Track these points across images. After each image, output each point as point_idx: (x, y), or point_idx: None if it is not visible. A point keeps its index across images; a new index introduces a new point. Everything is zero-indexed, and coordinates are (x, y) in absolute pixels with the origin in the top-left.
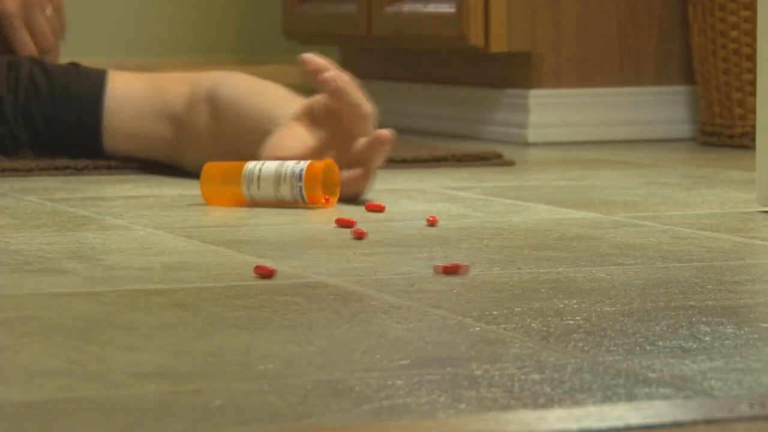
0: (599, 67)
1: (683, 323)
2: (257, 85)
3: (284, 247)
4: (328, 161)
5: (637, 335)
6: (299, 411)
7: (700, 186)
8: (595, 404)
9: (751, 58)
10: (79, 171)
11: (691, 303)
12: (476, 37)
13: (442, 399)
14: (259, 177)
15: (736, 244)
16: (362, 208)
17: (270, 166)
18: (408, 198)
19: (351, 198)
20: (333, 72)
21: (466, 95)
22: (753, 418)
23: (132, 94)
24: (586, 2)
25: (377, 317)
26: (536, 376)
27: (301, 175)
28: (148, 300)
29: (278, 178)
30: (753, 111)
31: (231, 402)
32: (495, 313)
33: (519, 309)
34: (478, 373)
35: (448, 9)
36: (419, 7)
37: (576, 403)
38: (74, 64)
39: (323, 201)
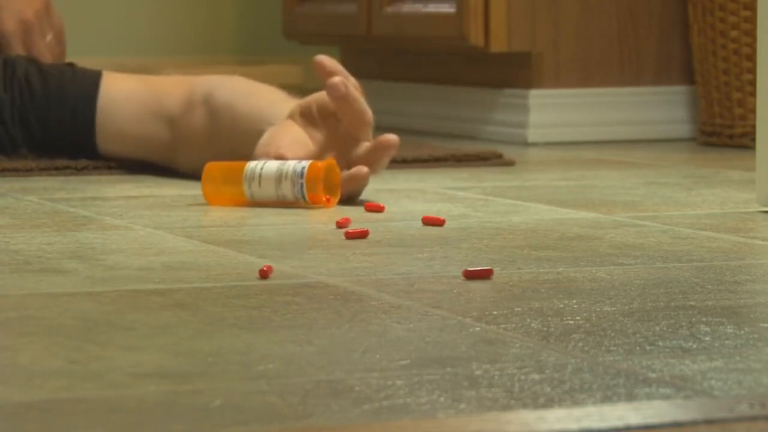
0: (599, 67)
1: (683, 323)
2: (252, 87)
3: (284, 247)
4: (330, 161)
5: (637, 335)
6: (299, 411)
7: (700, 186)
8: (595, 404)
9: (751, 58)
10: (79, 171)
11: (691, 303)
12: (476, 37)
13: (442, 399)
14: (260, 176)
15: (736, 244)
16: (362, 208)
17: (271, 165)
18: (408, 198)
19: (349, 197)
20: (341, 78)
21: (466, 95)
22: (753, 418)
23: (127, 95)
24: (586, 2)
25: (377, 317)
26: (536, 376)
27: (302, 175)
28: (148, 300)
29: (280, 178)
30: (753, 111)
31: (231, 402)
32: (495, 313)
33: (519, 309)
34: (478, 373)
35: (448, 9)
36: (419, 7)
37: (576, 403)
38: (70, 65)
39: (324, 201)
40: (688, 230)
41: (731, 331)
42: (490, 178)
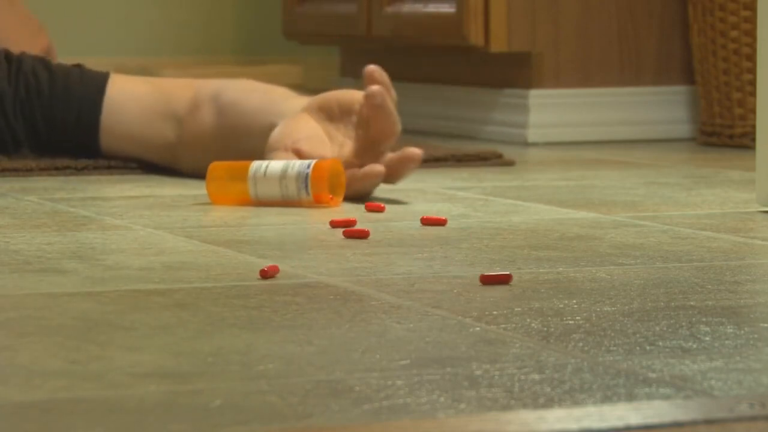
0: (599, 67)
1: (683, 323)
2: (261, 85)
3: (284, 247)
4: (335, 161)
5: (637, 335)
6: (299, 411)
7: (700, 186)
8: (595, 404)
9: (751, 58)
10: (79, 171)
11: (691, 303)
12: (476, 37)
13: (442, 399)
14: (265, 175)
15: (736, 244)
16: (362, 208)
17: (276, 164)
18: (408, 198)
19: (360, 195)
20: (381, 87)
21: (466, 95)
22: (753, 418)
23: (133, 96)
24: (586, 2)
25: (377, 317)
26: (536, 376)
27: (307, 174)
28: (148, 300)
29: (284, 177)
30: (753, 111)
31: (231, 402)
32: (495, 313)
33: (519, 309)
34: (478, 373)
35: (448, 9)
36: (419, 7)
37: (576, 403)
38: (78, 65)
39: (328, 200)
40: (688, 230)
41: (731, 331)
42: (490, 178)
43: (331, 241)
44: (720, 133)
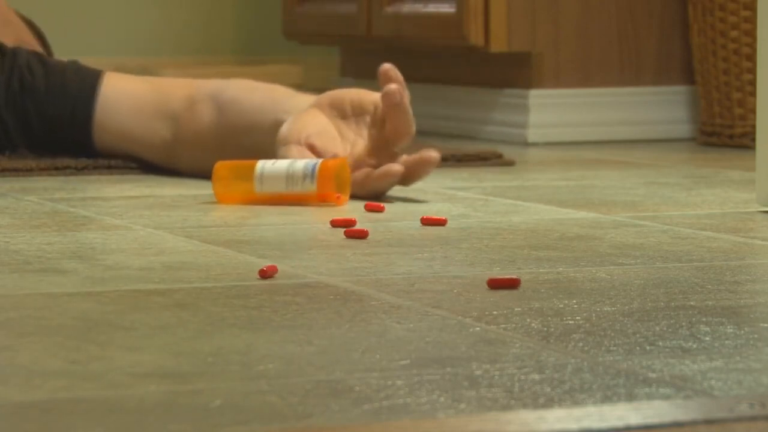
0: (599, 67)
1: (683, 323)
2: (262, 84)
3: (284, 247)
4: (342, 159)
5: (637, 335)
6: (299, 411)
7: (700, 186)
8: (595, 404)
9: (751, 58)
10: (79, 171)
11: (691, 303)
12: (476, 37)
13: (442, 399)
14: (273, 165)
15: (736, 244)
16: (362, 209)
17: (282, 163)
18: (408, 198)
19: (376, 194)
20: (399, 86)
21: (466, 95)
22: (753, 418)
23: (128, 93)
24: (586, 2)
25: (377, 317)
26: (536, 376)
27: (314, 173)
28: (148, 300)
29: (291, 175)
30: (753, 111)
31: (231, 402)
32: (495, 313)
33: (519, 309)
34: (478, 373)
35: (448, 9)
36: (419, 7)
37: (576, 403)
38: (73, 61)
39: (335, 199)
40: (688, 230)
41: (731, 331)
42: (490, 178)
43: (331, 241)
44: (720, 133)
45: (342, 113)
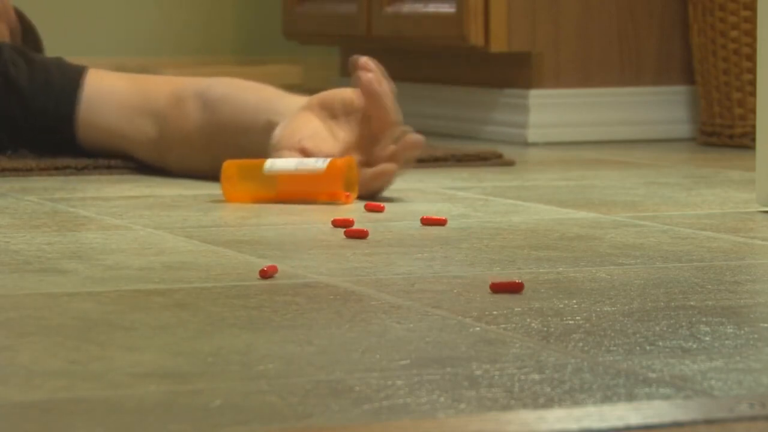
0: (599, 67)
1: (683, 323)
2: (251, 83)
3: (284, 247)
4: (349, 158)
5: (637, 335)
6: (299, 411)
7: (700, 186)
8: (595, 404)
9: (751, 58)
10: (79, 171)
11: (691, 303)
12: (476, 37)
13: (442, 399)
14: (282, 161)
15: (736, 244)
16: (362, 209)
17: (290, 162)
18: (408, 198)
19: (372, 194)
20: (374, 74)
21: (466, 95)
22: (753, 418)
23: (110, 90)
24: (586, 2)
25: (377, 317)
26: (536, 376)
27: (324, 162)
28: (148, 300)
29: (301, 161)
30: (753, 111)
31: (231, 402)
32: (495, 313)
33: (519, 309)
34: (478, 373)
35: (448, 9)
36: (419, 7)
37: (576, 403)
38: (58, 58)
39: (344, 198)
40: (688, 230)
41: (731, 331)
42: (490, 178)
43: (331, 241)
44: (720, 133)
45: (332, 113)
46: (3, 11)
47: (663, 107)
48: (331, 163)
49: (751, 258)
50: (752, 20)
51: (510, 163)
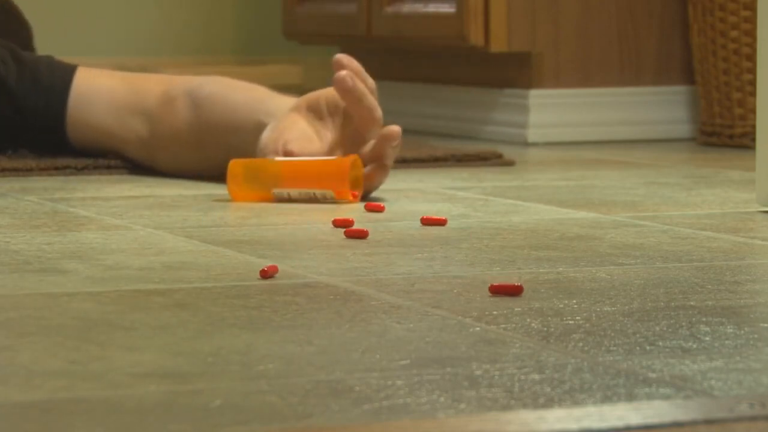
0: (599, 67)
1: (683, 323)
2: (241, 83)
3: (284, 247)
4: (354, 157)
5: (637, 335)
6: (299, 411)
7: (700, 186)
8: (595, 404)
9: (751, 58)
10: (79, 171)
11: (691, 303)
12: (476, 37)
13: (442, 399)
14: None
15: (736, 244)
16: (362, 208)
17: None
18: (408, 198)
19: (366, 194)
20: (349, 72)
21: (466, 95)
22: (753, 418)
23: (100, 89)
24: (586, 2)
25: (377, 317)
26: (536, 376)
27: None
28: (148, 300)
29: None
30: (753, 111)
31: (231, 402)
32: (495, 313)
33: (519, 309)
34: (478, 373)
35: (448, 9)
36: (419, 7)
37: (576, 403)
38: (48, 57)
39: (350, 196)
40: (688, 230)
41: (731, 331)
42: (490, 178)
43: (331, 241)
44: (720, 133)
45: (319, 114)
46: None
47: (663, 107)
48: (336, 161)
49: (751, 258)
50: (752, 20)
51: (510, 163)
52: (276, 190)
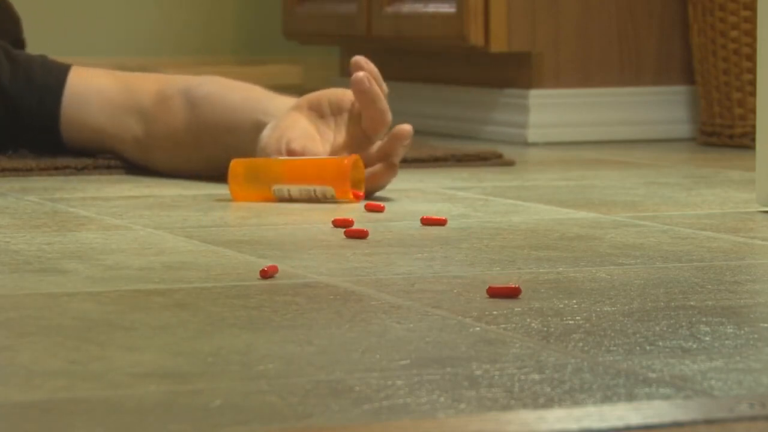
0: (599, 67)
1: (683, 323)
2: (238, 83)
3: (284, 247)
4: (355, 157)
5: (637, 335)
6: (299, 411)
7: (700, 186)
8: (595, 404)
9: (751, 58)
10: (79, 171)
11: (691, 303)
12: (476, 37)
13: (442, 399)
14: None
15: (736, 244)
16: (362, 208)
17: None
18: (408, 198)
19: (372, 193)
20: (366, 74)
21: (466, 95)
22: (753, 418)
23: (96, 88)
24: (586, 2)
25: (377, 317)
26: (536, 376)
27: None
28: (148, 300)
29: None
30: (753, 111)
31: (231, 402)
32: (495, 313)
33: (519, 309)
34: (478, 373)
35: (448, 9)
36: (419, 7)
37: (576, 403)
38: (41, 56)
39: (351, 196)
40: (688, 230)
41: (731, 331)
42: (490, 178)
43: (331, 241)
44: (720, 133)
45: (321, 113)
46: None
47: (663, 107)
48: (337, 161)
49: (751, 258)
50: (752, 20)
51: (510, 163)
52: (276, 187)
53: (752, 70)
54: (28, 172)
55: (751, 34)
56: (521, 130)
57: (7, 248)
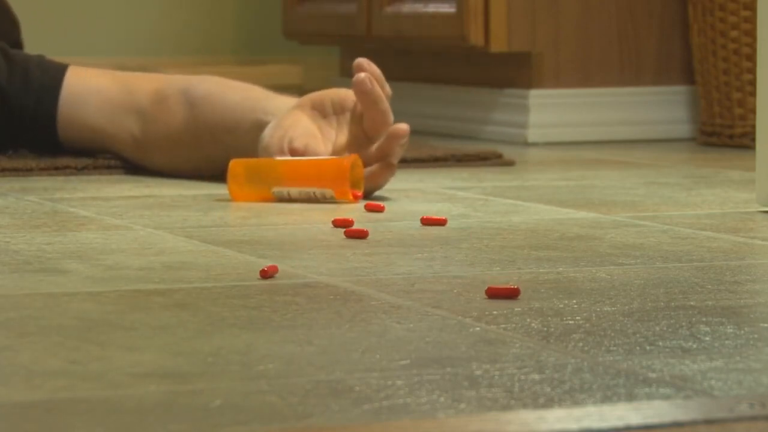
0: (599, 67)
1: (683, 323)
2: (237, 83)
3: (284, 247)
4: (354, 157)
5: (637, 335)
6: (299, 411)
7: (700, 186)
8: (595, 404)
9: (751, 58)
10: (79, 171)
11: (691, 303)
12: (476, 37)
13: (442, 399)
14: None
15: (736, 244)
16: (362, 208)
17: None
18: (408, 198)
19: (371, 192)
20: (368, 75)
21: (466, 95)
22: (753, 418)
23: (93, 88)
24: (586, 2)
25: (377, 317)
26: (536, 376)
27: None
28: (148, 300)
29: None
30: (753, 111)
31: (231, 402)
32: (495, 313)
33: (519, 309)
34: (478, 373)
35: (448, 9)
36: (419, 7)
37: (576, 403)
38: (39, 56)
39: (351, 197)
40: (688, 230)
41: (731, 331)
42: (490, 178)
43: (331, 241)
44: (720, 133)
45: (323, 113)
46: None
47: (663, 107)
48: (337, 161)
49: (751, 258)
50: (752, 20)
51: (510, 163)
52: (276, 189)
53: (752, 70)
54: (28, 172)
55: (751, 34)
56: (521, 130)
57: (7, 248)
